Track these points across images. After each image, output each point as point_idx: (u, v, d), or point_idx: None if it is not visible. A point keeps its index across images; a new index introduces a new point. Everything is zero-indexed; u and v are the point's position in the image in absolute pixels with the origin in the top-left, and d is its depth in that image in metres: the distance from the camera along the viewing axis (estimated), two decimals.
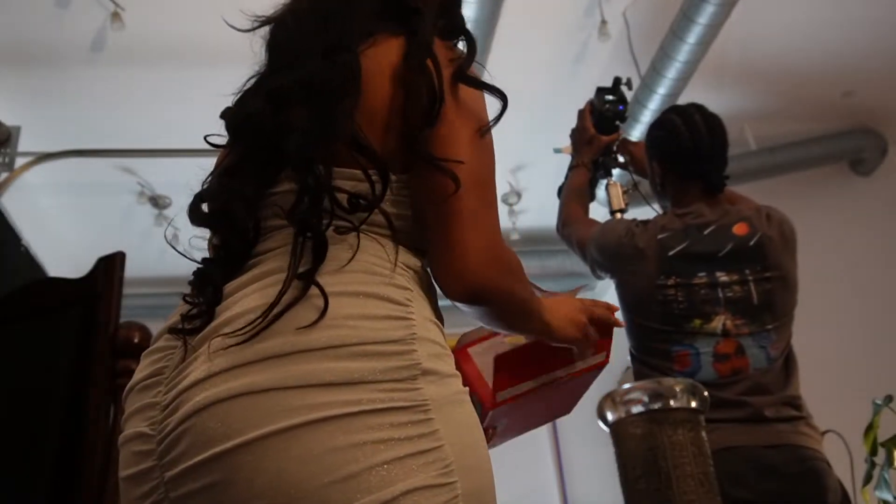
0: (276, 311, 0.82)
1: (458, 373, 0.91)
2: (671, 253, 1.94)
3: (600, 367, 1.19)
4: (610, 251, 2.03)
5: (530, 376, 1.15)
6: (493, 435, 1.16)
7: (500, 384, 1.13)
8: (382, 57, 0.96)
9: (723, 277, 1.92)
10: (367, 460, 0.78)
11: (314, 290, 0.84)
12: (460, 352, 1.16)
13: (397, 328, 0.85)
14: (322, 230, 0.88)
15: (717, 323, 1.89)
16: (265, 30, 1.04)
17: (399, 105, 0.94)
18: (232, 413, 0.79)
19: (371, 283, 0.87)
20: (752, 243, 1.97)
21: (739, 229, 2.00)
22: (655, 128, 2.18)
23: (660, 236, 1.97)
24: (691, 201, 2.05)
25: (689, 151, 2.08)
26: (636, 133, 3.80)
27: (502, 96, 1.09)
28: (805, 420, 1.99)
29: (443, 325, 0.97)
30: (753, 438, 1.83)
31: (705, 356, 1.88)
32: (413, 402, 0.82)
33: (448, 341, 0.97)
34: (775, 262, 1.96)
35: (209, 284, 0.91)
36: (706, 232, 1.99)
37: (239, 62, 1.12)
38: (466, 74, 1.03)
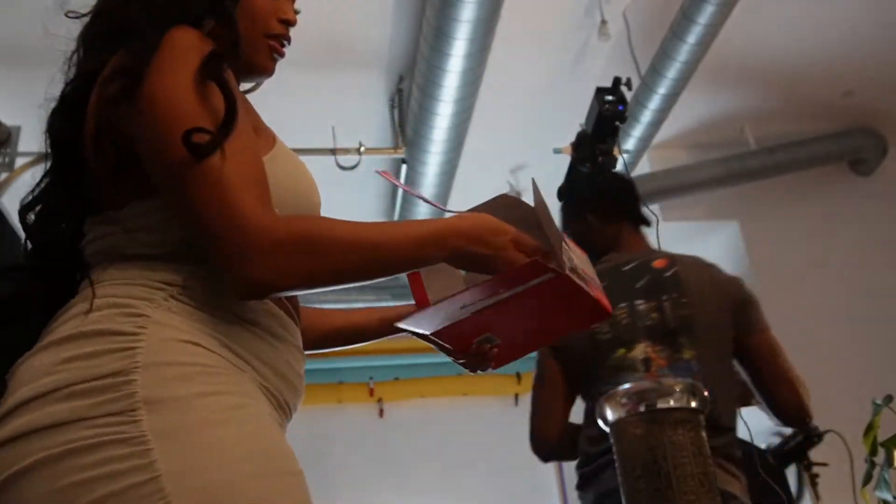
0: (19, 363, 0.90)
1: (224, 390, 0.88)
2: None
3: (559, 281, 1.02)
4: None
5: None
6: (495, 350, 1.16)
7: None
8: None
9: (641, 306, 1.95)
10: (82, 499, 0.79)
11: (47, 339, 0.90)
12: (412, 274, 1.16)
13: (112, 361, 0.85)
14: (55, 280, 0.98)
15: (639, 351, 1.90)
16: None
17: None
18: None
19: (93, 321, 0.89)
20: (667, 274, 1.98)
21: (658, 263, 2.02)
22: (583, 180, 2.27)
23: None
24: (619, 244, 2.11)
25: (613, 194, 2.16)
26: (636, 133, 3.80)
27: None
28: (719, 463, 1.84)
29: (258, 325, 0.97)
30: None
31: None
32: (128, 435, 0.81)
33: None
34: (696, 293, 1.95)
35: None
36: (626, 268, 2.03)
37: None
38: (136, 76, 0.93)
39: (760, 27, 3.73)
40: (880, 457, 2.46)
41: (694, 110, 4.16)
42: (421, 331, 1.12)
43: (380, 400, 5.13)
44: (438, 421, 5.12)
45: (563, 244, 1.05)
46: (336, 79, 3.77)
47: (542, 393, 2.08)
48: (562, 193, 2.48)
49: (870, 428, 2.62)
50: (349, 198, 4.52)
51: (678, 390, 1.47)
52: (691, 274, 1.98)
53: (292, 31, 1.15)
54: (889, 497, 2.30)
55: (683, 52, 3.37)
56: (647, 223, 2.16)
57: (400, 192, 4.14)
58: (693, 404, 1.47)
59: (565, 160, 2.42)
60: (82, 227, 1.01)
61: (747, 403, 2.21)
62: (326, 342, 1.31)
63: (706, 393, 1.51)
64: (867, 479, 2.64)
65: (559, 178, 2.49)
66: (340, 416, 5.09)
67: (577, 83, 3.72)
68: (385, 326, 1.29)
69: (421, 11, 3.24)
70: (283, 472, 0.89)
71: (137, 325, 0.88)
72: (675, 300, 1.93)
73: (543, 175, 4.43)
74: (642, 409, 1.46)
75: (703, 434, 1.46)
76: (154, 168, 0.91)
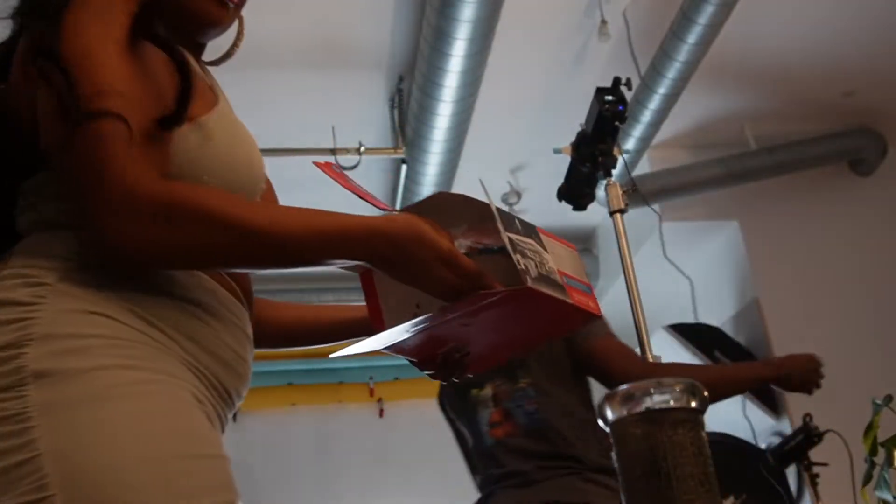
0: None
1: (131, 364, 0.82)
2: None
3: (515, 295, 0.93)
4: None
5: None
6: (470, 358, 1.05)
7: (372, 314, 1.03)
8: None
9: None
10: None
11: None
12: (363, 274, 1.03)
13: (5, 334, 0.80)
14: None
15: (488, 390, 2.16)
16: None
17: None
18: None
19: None
20: None
21: None
22: None
23: None
24: None
25: None
26: (636, 133, 3.80)
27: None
28: (582, 475, 2.00)
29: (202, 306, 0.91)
30: (518, 501, 2.00)
31: (483, 425, 2.17)
32: (10, 412, 0.76)
33: None
34: None
35: None
36: None
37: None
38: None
39: (760, 27, 3.72)
40: (880, 457, 2.46)
41: (694, 110, 4.16)
42: (374, 349, 1.04)
43: (380, 400, 5.13)
44: (438, 421, 5.09)
45: (534, 241, 0.97)
46: (336, 79, 3.77)
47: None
48: (562, 193, 2.48)
49: (870, 428, 2.62)
50: (349, 198, 4.52)
51: (678, 390, 1.47)
52: None
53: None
54: (889, 497, 2.30)
55: (683, 52, 3.37)
56: None
57: (400, 192, 4.13)
58: (693, 404, 1.47)
59: (565, 160, 2.42)
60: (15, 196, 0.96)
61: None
62: (276, 339, 1.23)
63: (705, 393, 1.51)
64: (867, 478, 2.64)
65: (559, 178, 2.49)
66: (341, 416, 5.09)
67: (577, 83, 3.72)
68: (336, 330, 1.21)
69: (421, 11, 3.24)
70: (186, 454, 0.81)
71: (36, 295, 0.82)
72: None
73: (543, 175, 4.45)
74: (642, 409, 1.46)
75: (703, 434, 1.46)
76: (44, 127, 0.87)
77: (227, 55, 1.13)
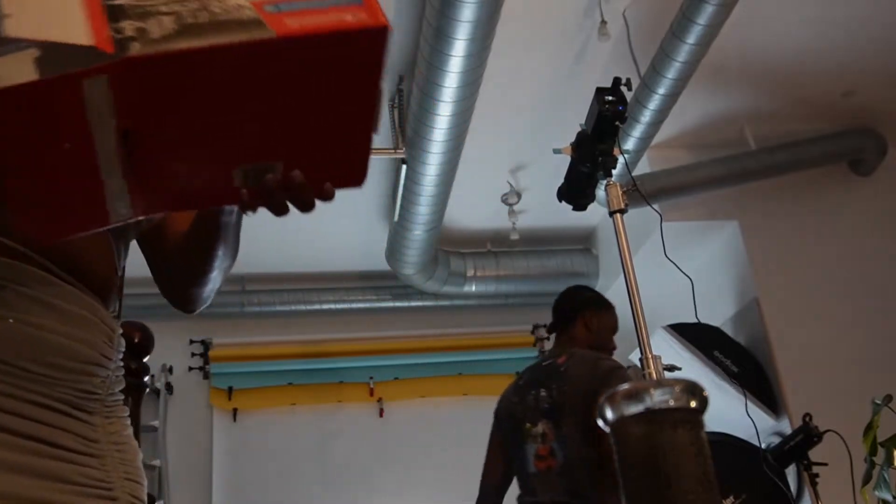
0: None
1: None
2: (520, 381, 2.70)
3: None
4: None
5: None
6: (145, 147, 0.73)
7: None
8: None
9: (542, 394, 2.55)
10: None
11: None
12: None
13: None
14: None
15: (539, 428, 2.51)
16: None
17: None
18: None
19: None
20: (562, 368, 2.54)
21: (560, 360, 2.58)
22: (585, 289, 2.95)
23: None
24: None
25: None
26: (636, 133, 3.80)
27: None
28: None
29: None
30: None
31: (530, 456, 2.53)
32: None
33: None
34: (575, 380, 2.48)
35: None
36: (543, 363, 2.68)
37: None
38: None
39: (760, 27, 3.73)
40: (880, 456, 2.46)
41: (693, 110, 4.17)
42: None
43: (380, 400, 5.13)
44: (438, 421, 5.12)
45: None
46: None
47: (487, 455, 2.78)
48: (562, 193, 2.49)
49: (869, 428, 2.62)
50: (349, 198, 4.52)
51: (678, 390, 1.47)
52: (576, 366, 2.52)
53: None
54: (889, 497, 2.30)
55: (683, 52, 3.37)
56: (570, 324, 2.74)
57: (400, 191, 4.13)
58: (693, 404, 1.47)
59: (565, 160, 2.42)
60: None
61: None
62: (185, 255, 1.09)
63: (705, 393, 1.51)
64: (867, 478, 2.64)
65: (559, 178, 2.50)
66: (341, 416, 5.09)
67: (577, 83, 3.72)
68: (203, 218, 1.03)
69: (421, 12, 3.24)
70: None
71: None
72: (560, 388, 2.50)
73: (543, 175, 4.44)
74: (642, 409, 1.46)
75: (703, 434, 1.46)
76: None
77: None
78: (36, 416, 0.86)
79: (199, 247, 1.05)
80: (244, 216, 0.97)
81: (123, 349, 1.03)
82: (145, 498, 0.97)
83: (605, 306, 2.75)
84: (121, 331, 1.02)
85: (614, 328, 2.74)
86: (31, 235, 0.80)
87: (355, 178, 0.83)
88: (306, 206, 0.83)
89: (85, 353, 0.92)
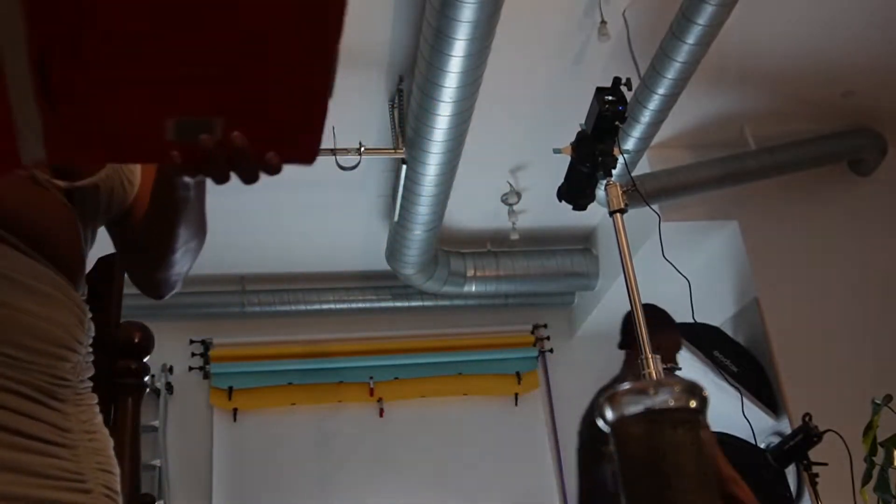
0: None
1: None
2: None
3: None
4: None
5: None
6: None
7: None
8: None
9: None
10: None
11: None
12: None
13: None
14: None
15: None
16: None
17: None
18: None
19: None
20: None
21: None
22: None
23: None
24: None
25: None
26: (636, 133, 3.80)
27: None
28: None
29: None
30: None
31: (608, 477, 2.53)
32: None
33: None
34: None
35: None
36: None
37: None
38: None
39: (760, 27, 3.73)
40: (880, 456, 2.46)
41: (693, 110, 4.17)
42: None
43: (380, 400, 5.13)
44: (438, 421, 5.12)
45: None
46: (336, 79, 3.77)
47: (577, 478, 2.81)
48: (562, 193, 2.49)
49: (869, 427, 2.62)
50: (349, 198, 4.52)
51: (678, 390, 1.47)
52: None
53: None
54: (889, 497, 2.30)
55: (683, 53, 3.37)
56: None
57: (400, 191, 4.13)
58: (693, 404, 1.47)
59: (565, 160, 2.42)
60: None
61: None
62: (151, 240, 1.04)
63: (705, 393, 1.52)
64: (867, 478, 2.64)
65: (559, 178, 2.50)
66: (341, 416, 5.10)
67: (576, 83, 3.72)
68: (158, 192, 0.96)
69: (421, 12, 3.24)
70: None
71: None
72: None
73: (543, 175, 4.44)
74: (642, 409, 1.46)
75: (704, 434, 1.46)
76: None
77: None
78: (5, 404, 0.81)
79: (159, 226, 0.98)
80: (205, 192, 0.92)
81: (93, 334, 0.98)
82: (119, 487, 0.92)
83: (671, 325, 2.80)
84: (90, 315, 0.97)
85: (678, 346, 2.78)
86: None
87: (305, 152, 0.74)
88: (247, 175, 0.76)
89: (57, 336, 0.87)
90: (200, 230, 1.02)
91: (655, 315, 2.84)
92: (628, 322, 2.79)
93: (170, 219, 0.96)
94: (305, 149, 0.74)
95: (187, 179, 0.87)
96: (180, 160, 0.72)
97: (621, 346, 2.86)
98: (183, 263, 1.06)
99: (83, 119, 0.66)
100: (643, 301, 2.12)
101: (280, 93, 0.69)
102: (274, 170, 0.75)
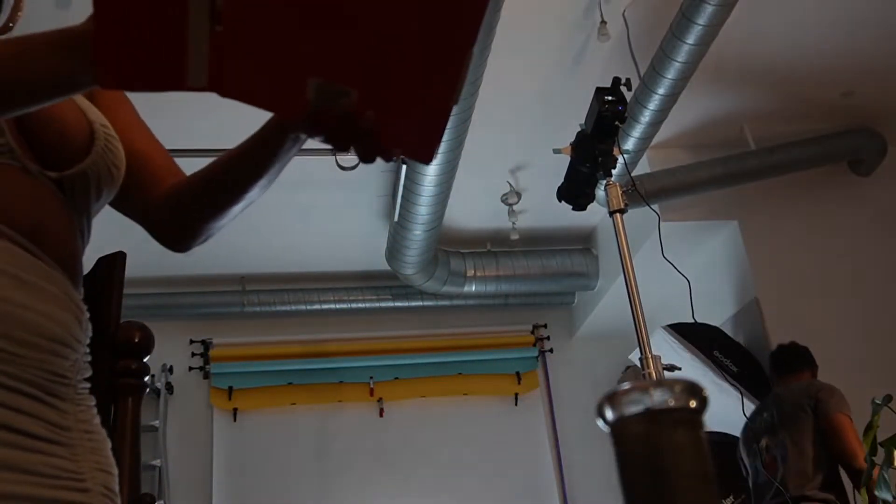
0: None
1: None
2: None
3: None
4: None
5: None
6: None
7: None
8: None
9: (765, 415, 3.45)
10: None
11: None
12: None
13: None
14: None
15: (763, 442, 3.35)
16: None
17: None
18: None
19: None
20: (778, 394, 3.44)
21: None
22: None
23: None
24: None
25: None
26: (636, 133, 3.80)
27: None
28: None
29: None
30: None
31: (760, 467, 3.31)
32: None
33: None
34: (788, 403, 3.37)
35: None
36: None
37: None
38: None
39: (760, 27, 3.73)
40: (880, 456, 2.46)
41: (693, 110, 4.17)
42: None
43: (380, 400, 5.13)
44: (438, 421, 5.13)
45: None
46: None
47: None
48: (561, 193, 2.49)
49: (869, 427, 2.62)
50: (349, 198, 4.53)
51: (678, 390, 1.47)
52: (790, 393, 3.37)
53: None
54: (889, 497, 2.30)
55: (683, 53, 3.37)
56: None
57: (400, 192, 4.13)
58: (693, 404, 1.47)
59: (565, 160, 2.43)
60: None
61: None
62: (207, 196, 1.06)
63: (705, 393, 1.52)
64: (867, 478, 2.63)
65: (559, 178, 2.50)
66: (341, 416, 5.10)
67: (576, 83, 3.72)
68: (259, 144, 0.98)
69: None
70: None
71: None
72: (779, 410, 3.34)
73: (543, 175, 4.44)
74: (642, 409, 1.46)
75: (703, 434, 1.46)
76: None
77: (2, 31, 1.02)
78: (3, 401, 0.79)
79: (245, 175, 0.99)
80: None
81: (91, 334, 0.97)
82: (117, 488, 0.91)
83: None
84: (88, 314, 0.95)
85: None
86: (110, 81, 0.72)
87: (424, 151, 0.78)
88: (366, 153, 0.79)
89: (55, 332, 0.86)
90: (267, 189, 1.03)
91: (798, 354, 3.58)
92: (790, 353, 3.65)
93: (259, 169, 0.98)
94: (426, 148, 0.78)
95: (303, 136, 0.88)
96: (314, 116, 0.75)
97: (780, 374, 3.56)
98: (234, 216, 1.06)
99: (239, 60, 0.70)
100: (641, 301, 2.12)
101: (411, 86, 0.74)
102: (389, 156, 0.79)
